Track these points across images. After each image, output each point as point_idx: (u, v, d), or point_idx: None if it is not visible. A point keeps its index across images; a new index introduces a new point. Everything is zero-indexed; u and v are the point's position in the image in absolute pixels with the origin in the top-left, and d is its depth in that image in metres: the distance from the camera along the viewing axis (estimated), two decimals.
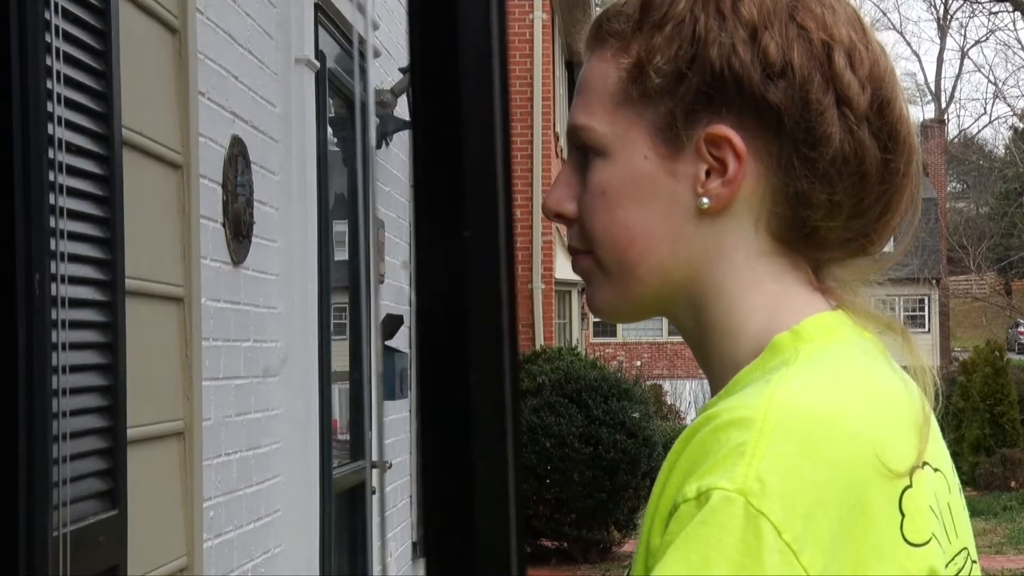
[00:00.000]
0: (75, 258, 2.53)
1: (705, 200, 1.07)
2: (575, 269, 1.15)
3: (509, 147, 0.74)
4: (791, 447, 0.94)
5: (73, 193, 2.54)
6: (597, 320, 38.64)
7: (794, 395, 0.98)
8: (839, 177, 1.07)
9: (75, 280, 2.52)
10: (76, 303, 2.52)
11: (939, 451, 1.08)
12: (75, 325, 2.47)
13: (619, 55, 1.10)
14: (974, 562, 1.06)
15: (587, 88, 1.12)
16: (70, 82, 2.53)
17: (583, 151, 1.11)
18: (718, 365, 1.09)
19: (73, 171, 2.55)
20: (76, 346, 2.47)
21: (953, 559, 1.03)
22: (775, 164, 1.06)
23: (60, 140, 2.39)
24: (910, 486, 0.98)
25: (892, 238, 1.17)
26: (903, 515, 0.97)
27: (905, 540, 0.96)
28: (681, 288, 1.09)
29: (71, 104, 2.54)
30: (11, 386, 2.08)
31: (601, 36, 1.12)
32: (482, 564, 0.67)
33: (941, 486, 1.04)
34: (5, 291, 2.08)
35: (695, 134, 1.07)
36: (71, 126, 2.54)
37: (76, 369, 2.47)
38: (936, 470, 1.04)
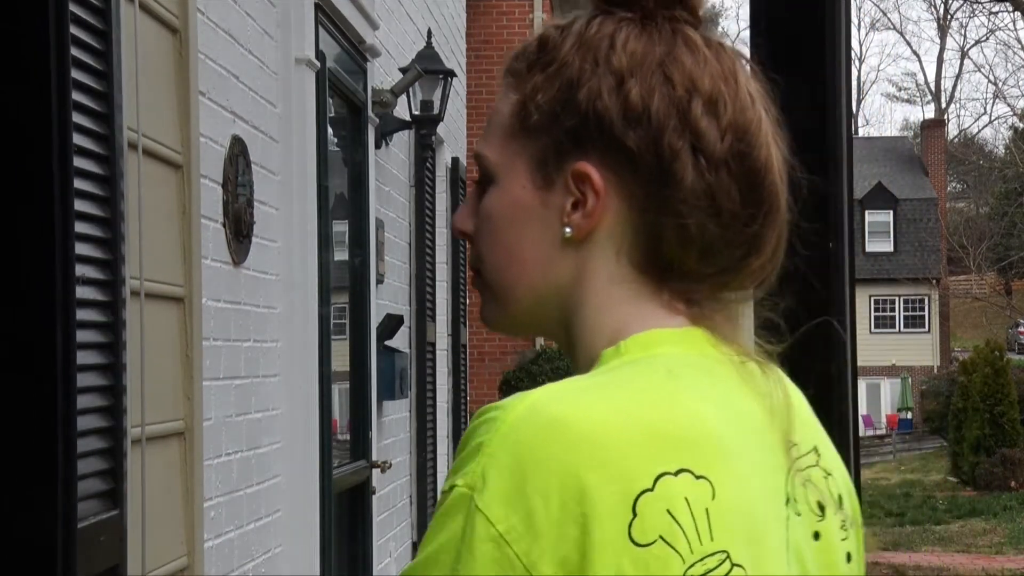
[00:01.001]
0: (79, 258, 2.53)
1: (568, 230, 1.16)
2: (471, 285, 1.25)
3: None
4: (518, 447, 1.04)
5: (76, 194, 2.54)
6: None
7: (542, 399, 1.07)
8: (689, 216, 1.14)
9: (85, 281, 2.52)
10: (79, 303, 2.52)
11: (731, 463, 1.11)
12: (78, 325, 2.47)
13: (513, 91, 1.20)
14: (737, 566, 1.08)
15: (490, 120, 1.23)
16: (77, 85, 2.53)
17: (481, 177, 1.22)
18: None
19: (76, 172, 2.55)
20: (79, 346, 2.47)
21: (701, 560, 1.06)
22: (633, 200, 1.15)
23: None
24: (650, 489, 1.05)
25: (766, 278, 1.21)
26: (635, 515, 1.04)
27: (631, 538, 1.03)
28: (552, 308, 1.19)
29: (73, 105, 2.54)
30: (49, 385, 2.10)
31: (507, 71, 1.22)
32: None
33: (700, 492, 1.08)
34: (45, 291, 2.10)
35: (565, 169, 1.16)
36: (77, 128, 2.54)
37: (79, 369, 2.47)
38: (700, 477, 1.08)
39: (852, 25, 1.74)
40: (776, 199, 1.18)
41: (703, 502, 1.08)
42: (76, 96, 2.58)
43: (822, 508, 1.17)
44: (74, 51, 2.57)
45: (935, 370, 36.20)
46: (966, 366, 22.23)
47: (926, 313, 38.14)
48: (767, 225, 1.17)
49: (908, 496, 20.87)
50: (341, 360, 5.83)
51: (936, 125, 43.19)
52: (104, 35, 2.80)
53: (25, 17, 2.14)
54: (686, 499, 1.06)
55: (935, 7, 54.94)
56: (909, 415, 33.93)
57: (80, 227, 2.60)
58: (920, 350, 37.65)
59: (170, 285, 3.40)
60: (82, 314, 2.59)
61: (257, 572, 4.33)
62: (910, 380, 34.48)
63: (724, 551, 1.08)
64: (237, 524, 4.13)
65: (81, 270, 2.57)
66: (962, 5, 48.69)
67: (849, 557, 1.19)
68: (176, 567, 3.40)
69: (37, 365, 2.12)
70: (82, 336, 2.58)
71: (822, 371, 1.64)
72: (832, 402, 1.66)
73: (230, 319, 4.08)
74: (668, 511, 1.05)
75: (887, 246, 38.21)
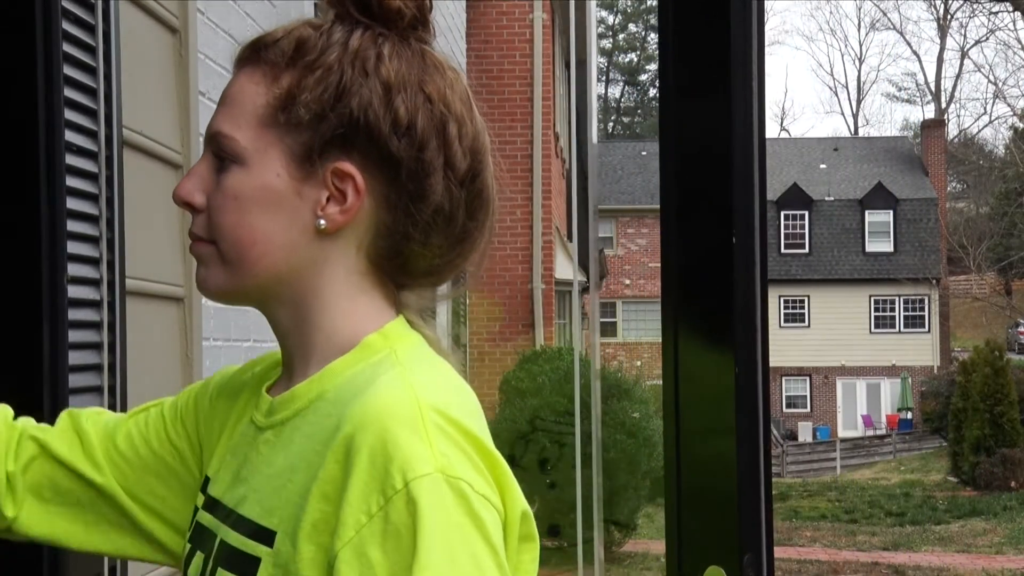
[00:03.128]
0: (75, 258, 2.52)
1: (323, 222, 1.27)
2: (192, 251, 1.32)
3: None
4: (449, 430, 1.18)
5: (73, 193, 2.54)
6: (598, 320, 38.66)
7: (425, 391, 1.20)
8: (434, 226, 1.28)
9: (75, 280, 2.52)
10: (76, 303, 2.52)
11: None
12: (75, 325, 2.47)
13: (270, 82, 1.28)
14: None
15: (234, 102, 1.29)
16: (70, 82, 2.53)
17: (220, 156, 1.29)
18: (302, 354, 1.30)
19: (73, 171, 2.55)
20: (76, 346, 2.47)
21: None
22: (385, 204, 1.27)
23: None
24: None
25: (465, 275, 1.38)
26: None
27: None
28: (287, 287, 1.29)
29: (71, 104, 2.54)
30: (37, 385, 2.10)
31: (255, 59, 1.30)
32: None
33: None
34: (31, 292, 2.10)
35: (325, 166, 1.26)
36: (71, 126, 2.54)
37: (76, 369, 2.47)
38: None
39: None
40: (493, 211, 1.33)
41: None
42: (72, 94, 2.58)
43: None
44: (71, 49, 2.56)
45: (935, 370, 36.21)
46: (966, 366, 22.23)
47: (926, 313, 38.13)
48: (482, 233, 1.32)
49: (908, 496, 20.88)
50: None
51: (936, 125, 43.19)
52: (104, 35, 2.79)
53: (13, 12, 2.14)
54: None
55: (935, 7, 54.97)
56: (909, 415, 33.94)
57: (79, 227, 2.60)
58: (920, 350, 37.65)
59: (170, 285, 3.40)
60: (78, 314, 2.58)
61: None
62: (910, 380, 34.50)
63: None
64: None
65: (77, 269, 2.57)
66: (962, 5, 48.72)
67: None
68: (175, 568, 3.40)
69: (24, 366, 2.12)
70: (78, 336, 2.58)
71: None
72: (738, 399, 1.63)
73: (230, 319, 4.08)
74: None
75: (887, 246, 38.21)
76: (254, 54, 1.30)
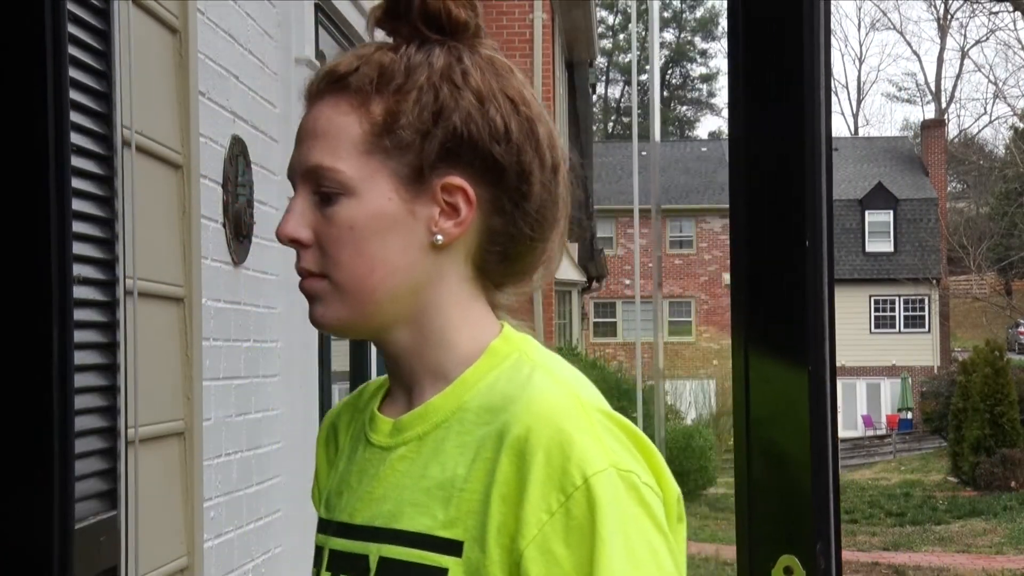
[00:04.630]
0: (75, 258, 2.53)
1: (439, 237, 1.31)
2: (304, 288, 1.34)
3: None
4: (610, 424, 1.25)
5: (73, 193, 2.55)
6: (597, 320, 38.65)
7: (579, 389, 1.28)
8: (537, 223, 1.34)
9: (85, 281, 2.52)
10: (76, 303, 2.52)
11: None
12: (75, 325, 2.47)
13: (360, 110, 1.31)
14: None
15: (326, 135, 1.31)
16: (76, 85, 2.53)
17: (322, 189, 1.31)
18: (425, 371, 1.34)
19: (73, 171, 2.55)
20: (76, 346, 2.47)
21: None
22: (492, 210, 1.32)
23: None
24: None
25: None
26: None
27: None
28: (406, 308, 1.33)
29: (72, 104, 2.54)
30: (47, 386, 2.11)
31: (335, 90, 1.32)
32: None
33: None
34: (40, 291, 2.10)
35: (434, 182, 1.30)
36: (72, 126, 2.54)
37: (76, 369, 2.47)
38: None
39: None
40: (565, 209, 1.38)
41: None
42: (75, 96, 2.58)
43: None
44: (74, 51, 2.56)
45: (935, 370, 36.20)
46: (966, 366, 22.23)
47: (926, 313, 38.12)
48: (558, 233, 1.38)
49: (908, 496, 20.88)
50: (341, 360, 5.83)
51: (936, 125, 43.17)
52: (104, 35, 2.79)
53: (20, 14, 2.14)
54: None
55: (935, 7, 54.99)
56: (909, 415, 33.93)
57: (78, 227, 2.60)
58: (920, 350, 37.65)
59: (170, 285, 3.40)
60: (80, 314, 2.59)
61: (257, 572, 4.33)
62: (910, 380, 34.49)
63: None
64: (237, 524, 4.13)
65: (79, 270, 2.57)
66: (962, 5, 48.72)
67: None
68: (176, 567, 3.40)
69: (33, 365, 2.12)
70: (80, 336, 2.58)
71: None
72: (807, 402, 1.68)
73: (230, 319, 4.08)
74: None
75: (887, 246, 38.21)
76: (332, 85, 1.33)
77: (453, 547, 1.25)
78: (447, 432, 1.30)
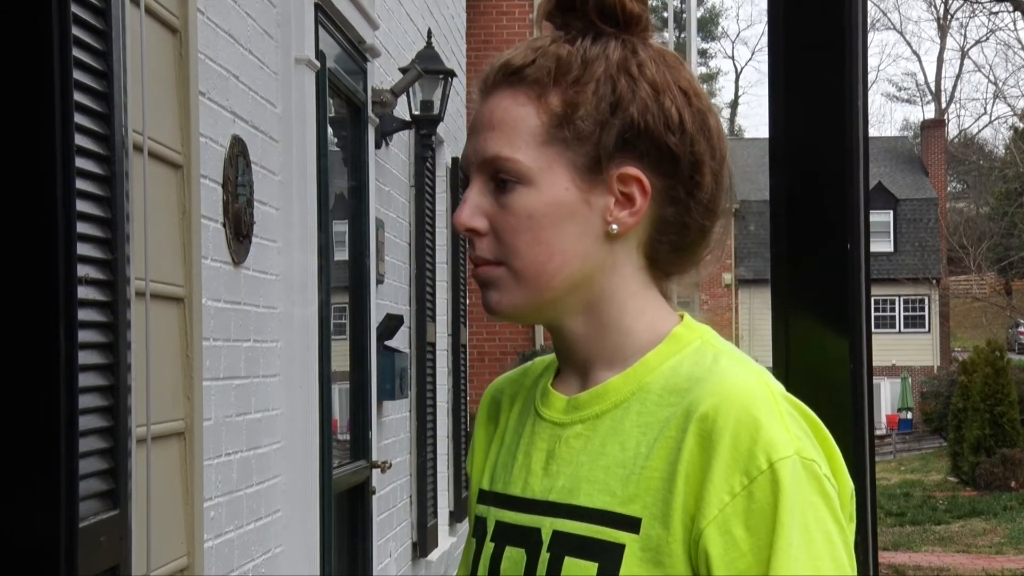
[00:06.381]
0: (77, 258, 2.53)
1: (615, 227, 1.34)
2: (479, 275, 1.37)
3: None
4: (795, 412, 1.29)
5: (81, 195, 2.54)
6: None
7: (767, 376, 1.31)
8: (708, 212, 1.36)
9: (91, 281, 2.52)
10: (78, 303, 2.52)
11: None
12: (78, 325, 2.47)
13: (538, 102, 1.33)
14: None
15: (504, 125, 1.34)
16: (79, 86, 2.53)
17: (499, 178, 1.34)
18: (600, 355, 1.37)
19: (82, 174, 2.55)
20: (79, 346, 2.47)
21: None
22: (665, 199, 1.34)
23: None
24: None
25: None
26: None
27: None
28: (581, 296, 1.35)
29: (73, 104, 2.54)
30: (53, 385, 2.11)
31: (511, 83, 1.35)
32: None
33: None
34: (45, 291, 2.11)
35: (610, 173, 1.33)
36: (80, 130, 2.54)
37: (80, 369, 2.47)
38: None
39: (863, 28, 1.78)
40: (730, 200, 1.39)
41: None
42: (76, 96, 2.58)
43: None
44: (74, 51, 2.56)
45: (935, 370, 36.18)
46: (966, 366, 22.21)
47: (926, 313, 38.12)
48: (723, 222, 1.40)
49: (908, 496, 20.87)
50: (341, 360, 5.83)
51: (936, 125, 43.14)
52: (104, 35, 2.80)
53: (28, 18, 2.14)
54: None
55: (935, 7, 54.97)
56: (909, 415, 33.92)
57: (80, 227, 2.60)
58: (920, 350, 37.64)
59: (170, 285, 3.40)
60: (83, 314, 2.59)
61: (257, 572, 4.33)
62: (910, 380, 34.47)
63: None
64: (237, 524, 4.13)
65: (83, 270, 2.57)
66: (962, 5, 48.70)
67: None
68: (176, 567, 3.40)
69: (40, 365, 2.13)
70: (83, 336, 2.58)
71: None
72: (849, 401, 1.73)
73: (230, 319, 4.08)
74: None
75: (887, 246, 38.19)
76: (508, 78, 1.35)
77: (631, 523, 1.27)
78: (626, 412, 1.33)
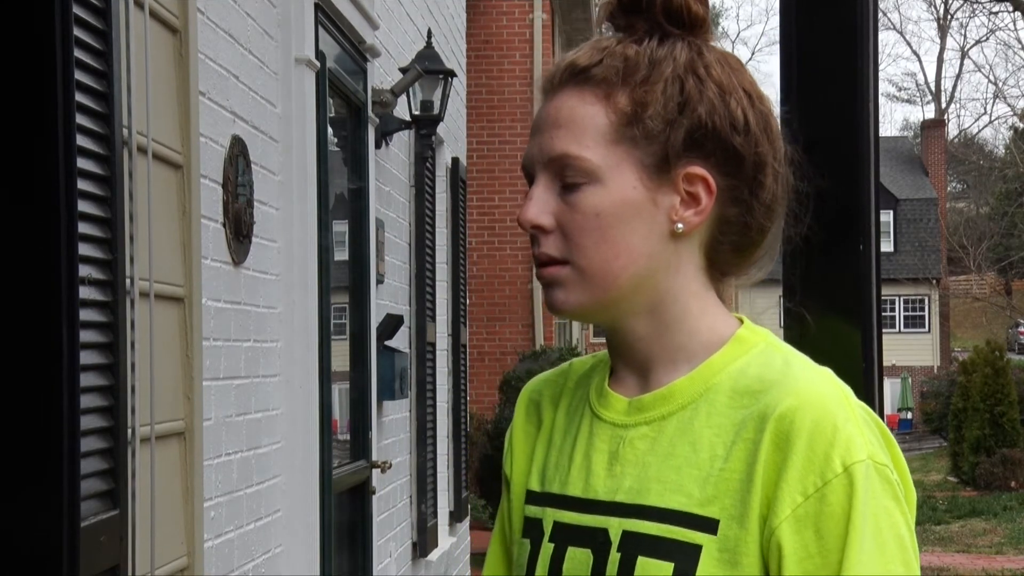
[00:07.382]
0: (79, 258, 2.53)
1: (680, 226, 1.34)
2: (544, 274, 1.36)
3: None
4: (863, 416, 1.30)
5: (82, 196, 2.54)
6: None
7: (839, 380, 1.32)
8: (769, 213, 1.37)
9: (93, 282, 2.52)
10: (80, 303, 2.52)
11: None
12: (79, 325, 2.47)
13: (605, 101, 1.34)
14: None
15: (571, 124, 1.34)
16: (80, 87, 2.53)
17: (566, 177, 1.34)
18: (663, 356, 1.37)
19: (83, 174, 2.55)
20: (80, 346, 2.47)
21: None
22: (729, 200, 1.35)
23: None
24: None
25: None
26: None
27: None
28: (644, 295, 1.35)
29: (74, 105, 2.54)
30: (56, 385, 2.11)
31: (578, 82, 1.35)
32: None
33: None
34: (48, 290, 2.11)
35: (676, 172, 1.33)
36: (81, 130, 2.54)
37: (81, 369, 2.47)
38: None
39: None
40: (784, 195, 1.39)
41: None
42: (77, 97, 2.58)
43: None
44: (75, 52, 2.56)
45: (935, 370, 36.18)
46: (966, 366, 22.21)
47: (926, 313, 38.12)
48: (780, 224, 1.39)
49: None
50: (341, 360, 5.83)
51: (936, 125, 43.15)
52: (104, 35, 2.80)
53: (30, 19, 2.15)
54: None
55: (935, 7, 54.97)
56: (909, 415, 33.92)
57: (81, 227, 2.60)
58: (920, 350, 37.63)
59: (170, 285, 3.40)
60: (83, 314, 2.59)
61: (257, 572, 4.33)
62: (910, 380, 34.48)
63: None
64: (237, 524, 4.13)
65: (84, 271, 2.58)
66: (962, 5, 48.69)
67: None
68: (176, 567, 3.40)
69: (42, 365, 2.13)
70: (83, 336, 2.58)
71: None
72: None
73: (230, 319, 4.08)
74: None
75: (887, 246, 38.17)
76: (574, 77, 1.36)
77: (709, 525, 1.28)
78: (694, 413, 1.33)
